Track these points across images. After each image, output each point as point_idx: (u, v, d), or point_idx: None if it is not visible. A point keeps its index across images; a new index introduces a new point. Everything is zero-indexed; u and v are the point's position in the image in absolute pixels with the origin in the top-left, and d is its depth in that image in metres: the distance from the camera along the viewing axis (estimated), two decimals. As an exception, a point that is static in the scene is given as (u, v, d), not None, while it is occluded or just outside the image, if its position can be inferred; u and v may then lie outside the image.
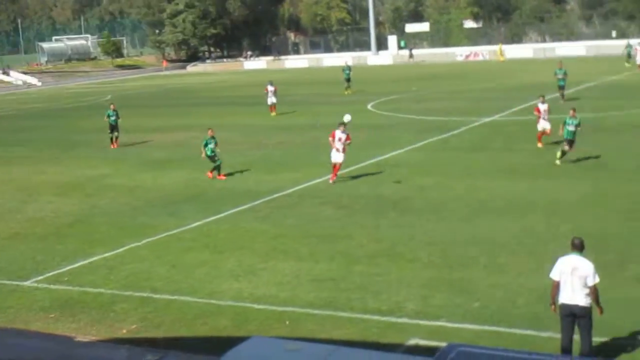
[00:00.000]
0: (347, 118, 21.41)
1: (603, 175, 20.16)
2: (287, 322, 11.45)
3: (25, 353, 10.77)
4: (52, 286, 13.81)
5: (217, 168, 22.28)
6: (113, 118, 30.64)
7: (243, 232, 16.93)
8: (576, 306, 9.00)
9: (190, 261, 14.92)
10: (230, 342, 7.15)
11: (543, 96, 24.73)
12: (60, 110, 52.92)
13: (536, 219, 16.33)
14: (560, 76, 34.53)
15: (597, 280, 9.01)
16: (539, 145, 24.14)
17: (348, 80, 45.93)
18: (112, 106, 31.48)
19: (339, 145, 20.13)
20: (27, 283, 14.07)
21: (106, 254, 15.58)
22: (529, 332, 10.42)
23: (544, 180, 20.18)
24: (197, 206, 19.66)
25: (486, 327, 10.72)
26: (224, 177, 22.29)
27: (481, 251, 14.20)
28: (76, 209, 20.27)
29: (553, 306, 9.39)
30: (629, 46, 57.19)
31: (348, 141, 20.32)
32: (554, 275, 9.27)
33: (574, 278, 9.01)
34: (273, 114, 37.74)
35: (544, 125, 23.89)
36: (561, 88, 34.59)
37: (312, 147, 27.34)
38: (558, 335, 9.35)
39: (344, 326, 11.11)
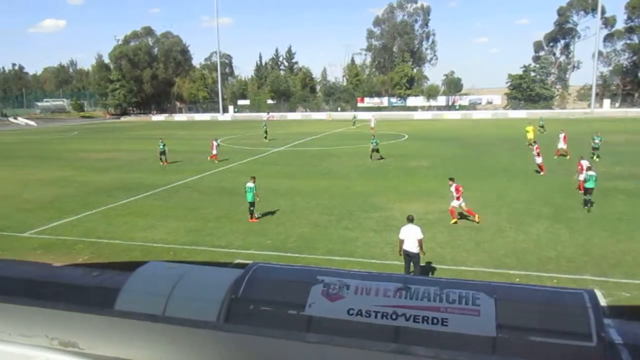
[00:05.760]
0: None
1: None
2: (172, 253, 14.52)
3: (21, 272, 12.64)
4: (38, 236, 16.93)
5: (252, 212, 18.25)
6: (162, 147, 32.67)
7: (148, 205, 20.96)
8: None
9: (119, 221, 18.53)
10: (140, 264, 7.77)
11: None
12: (45, 139, 57.86)
13: (299, 199, 21.14)
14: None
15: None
16: None
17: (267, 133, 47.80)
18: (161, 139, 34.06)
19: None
20: (24, 234, 17.23)
21: (71, 218, 19.13)
22: (296, 255, 14.07)
23: (307, 179, 26.01)
24: (123, 192, 23.83)
25: (274, 253, 14.20)
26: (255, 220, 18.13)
27: (270, 215, 18.63)
28: (54, 193, 24.07)
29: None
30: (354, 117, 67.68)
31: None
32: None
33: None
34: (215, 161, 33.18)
35: None
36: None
37: (190, 163, 33.16)
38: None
39: (202, 254, 14.43)
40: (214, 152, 33.50)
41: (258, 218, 18.33)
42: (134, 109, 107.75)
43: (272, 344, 1.35)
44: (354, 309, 6.08)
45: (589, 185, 18.98)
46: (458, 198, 17.23)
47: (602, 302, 10.58)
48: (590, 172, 19.31)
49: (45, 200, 22.39)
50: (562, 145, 32.05)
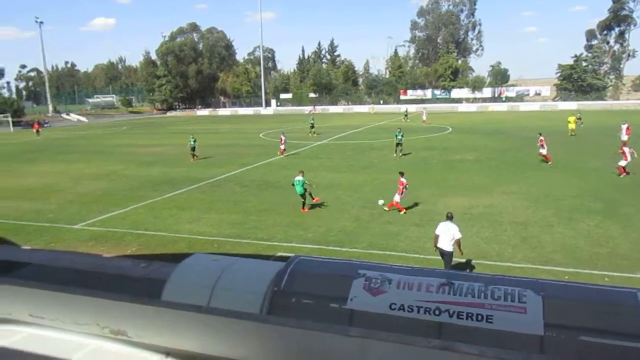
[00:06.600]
0: None
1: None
2: (216, 245, 14.87)
3: (74, 263, 14.04)
4: (90, 228, 17.53)
5: (304, 203, 18.82)
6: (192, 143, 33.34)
7: (193, 199, 21.45)
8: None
9: (165, 214, 18.99)
10: (185, 256, 8.21)
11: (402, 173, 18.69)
12: (96, 134, 59.76)
13: (341, 193, 21.33)
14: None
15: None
16: None
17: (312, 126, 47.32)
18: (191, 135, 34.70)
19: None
20: (76, 226, 17.81)
21: (120, 211, 19.69)
22: (338, 248, 14.23)
23: (349, 173, 26.32)
24: (168, 185, 24.52)
25: (315, 246, 14.41)
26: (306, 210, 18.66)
27: (312, 208, 18.80)
28: (104, 187, 24.86)
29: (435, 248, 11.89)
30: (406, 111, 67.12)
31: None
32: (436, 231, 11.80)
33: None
34: (282, 155, 32.94)
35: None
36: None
37: (233, 156, 33.76)
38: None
39: (245, 247, 14.63)
40: (283, 146, 33.44)
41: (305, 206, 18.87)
42: (180, 104, 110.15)
43: (314, 337, 1.36)
44: (396, 303, 6.06)
45: None
46: (400, 192, 17.93)
47: (658, 302, 10.09)
48: None
49: (96, 194, 23.19)
50: (624, 137, 30.96)
